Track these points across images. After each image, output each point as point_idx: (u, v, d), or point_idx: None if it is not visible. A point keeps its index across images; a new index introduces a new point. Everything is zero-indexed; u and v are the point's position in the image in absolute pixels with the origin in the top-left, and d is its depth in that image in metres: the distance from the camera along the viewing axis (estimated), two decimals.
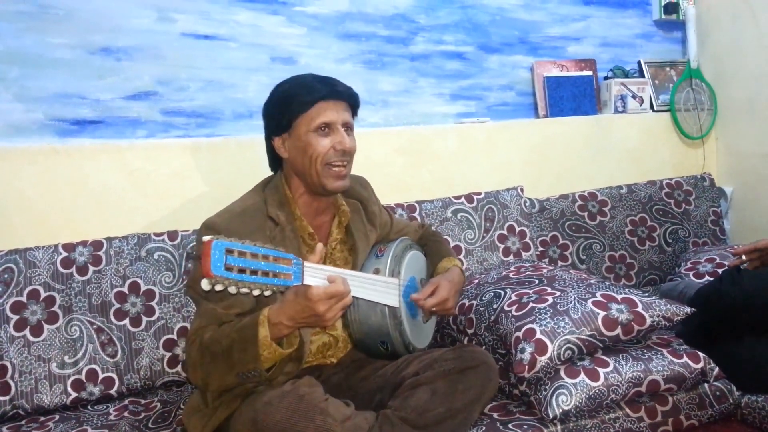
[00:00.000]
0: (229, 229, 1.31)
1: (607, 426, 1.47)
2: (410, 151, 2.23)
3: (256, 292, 1.07)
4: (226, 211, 1.39)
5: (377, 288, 1.34)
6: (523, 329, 1.50)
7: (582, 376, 1.45)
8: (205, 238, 1.02)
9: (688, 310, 1.59)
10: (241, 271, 1.04)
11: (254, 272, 1.05)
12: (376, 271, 1.44)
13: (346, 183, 1.44)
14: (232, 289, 1.03)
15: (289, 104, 1.39)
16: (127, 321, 1.71)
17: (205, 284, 1.01)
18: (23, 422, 1.57)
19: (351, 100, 1.44)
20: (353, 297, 1.22)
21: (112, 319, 1.70)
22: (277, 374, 1.24)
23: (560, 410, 1.41)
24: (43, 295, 1.66)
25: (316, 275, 1.16)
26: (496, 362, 1.43)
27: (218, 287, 1.02)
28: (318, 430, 1.16)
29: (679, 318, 1.57)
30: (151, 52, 1.96)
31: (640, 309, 1.54)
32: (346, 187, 1.45)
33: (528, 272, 1.82)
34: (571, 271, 1.81)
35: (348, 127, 1.43)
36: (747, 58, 2.53)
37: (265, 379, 1.22)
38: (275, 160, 1.48)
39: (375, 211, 1.60)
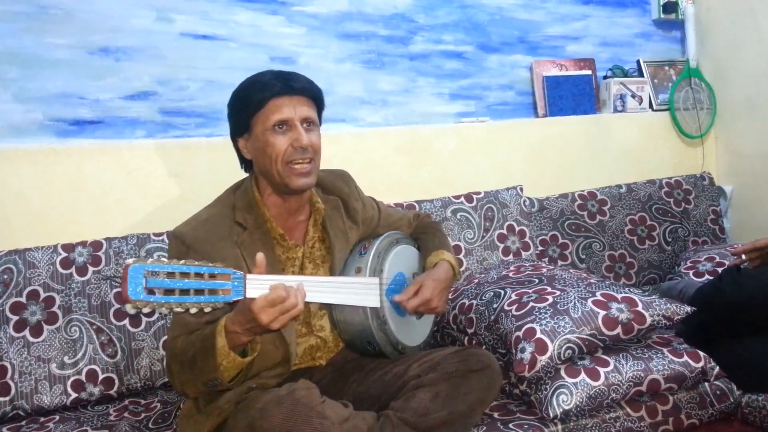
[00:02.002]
0: (196, 237, 1.31)
1: (608, 425, 1.47)
2: (410, 151, 2.22)
3: (193, 311, 1.05)
4: (193, 218, 1.38)
5: (355, 290, 1.32)
6: (524, 329, 1.50)
7: (582, 375, 1.45)
8: (128, 261, 1.01)
9: (688, 309, 1.59)
10: (168, 292, 1.02)
11: (185, 292, 1.03)
12: (358, 270, 1.42)
13: (311, 180, 1.37)
14: (163, 311, 1.02)
15: (245, 104, 1.34)
16: (126, 321, 1.71)
17: (128, 308, 1.01)
18: (23, 423, 1.57)
19: (309, 94, 1.37)
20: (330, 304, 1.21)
21: (112, 319, 1.70)
22: (240, 382, 1.23)
23: (561, 410, 1.41)
24: (42, 295, 1.66)
25: (261, 286, 1.12)
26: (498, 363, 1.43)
27: (146, 310, 1.01)
28: None
29: (679, 317, 1.57)
30: (151, 52, 1.96)
31: (640, 308, 1.54)
32: (312, 185, 1.39)
33: (528, 272, 1.82)
34: (570, 271, 1.81)
35: (309, 122, 1.36)
36: (746, 57, 2.53)
37: (227, 388, 1.21)
38: (245, 162, 1.45)
39: (357, 208, 1.54)
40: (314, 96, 1.39)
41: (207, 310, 1.07)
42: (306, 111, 1.35)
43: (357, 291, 1.33)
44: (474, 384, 1.32)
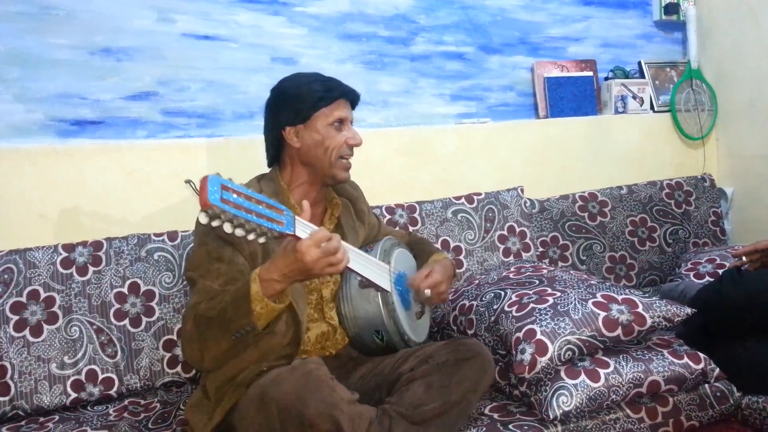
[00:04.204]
0: None
1: (608, 427, 1.47)
2: (410, 152, 2.23)
3: (251, 237, 1.09)
4: None
5: (371, 267, 1.38)
6: (524, 330, 1.50)
7: (582, 376, 1.45)
8: (203, 175, 1.06)
9: (688, 310, 1.59)
10: (237, 207, 1.07)
11: (249, 211, 1.09)
12: None
13: (349, 175, 1.54)
14: (227, 227, 1.06)
15: (310, 97, 1.47)
16: (126, 321, 1.71)
17: (202, 217, 1.04)
18: (23, 423, 1.57)
19: (355, 100, 1.56)
20: (347, 268, 1.25)
21: (112, 319, 1.70)
22: (272, 330, 1.29)
23: (561, 411, 1.41)
24: (42, 295, 1.66)
25: (305, 230, 1.19)
26: (495, 360, 1.43)
27: (215, 222, 1.05)
28: (324, 402, 1.16)
29: (679, 319, 1.57)
30: (152, 53, 1.96)
31: (640, 310, 1.54)
32: (349, 179, 1.55)
33: (528, 273, 1.82)
34: (571, 272, 1.81)
35: (351, 124, 1.54)
36: (747, 59, 2.53)
37: (259, 333, 1.25)
38: (276, 153, 1.53)
39: (364, 210, 1.67)
40: (357, 101, 1.58)
41: (261, 240, 1.11)
42: (352, 114, 1.56)
43: (373, 269, 1.40)
44: (466, 373, 1.34)
